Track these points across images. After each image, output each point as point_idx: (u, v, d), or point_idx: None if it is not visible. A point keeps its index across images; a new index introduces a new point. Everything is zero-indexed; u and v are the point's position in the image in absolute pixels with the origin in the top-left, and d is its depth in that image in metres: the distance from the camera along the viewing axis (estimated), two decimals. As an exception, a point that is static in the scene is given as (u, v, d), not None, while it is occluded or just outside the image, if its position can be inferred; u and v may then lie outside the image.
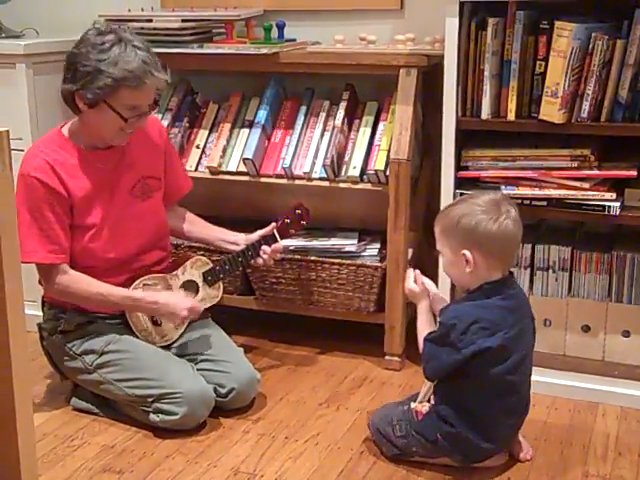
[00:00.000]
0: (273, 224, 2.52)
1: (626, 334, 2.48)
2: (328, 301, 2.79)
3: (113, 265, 2.39)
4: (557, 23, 2.27)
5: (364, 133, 2.73)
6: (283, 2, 2.93)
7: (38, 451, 2.12)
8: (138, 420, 2.37)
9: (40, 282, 2.41)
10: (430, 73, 2.65)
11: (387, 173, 2.63)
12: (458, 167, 2.48)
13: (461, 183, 2.49)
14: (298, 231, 2.58)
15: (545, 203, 2.40)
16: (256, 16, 2.89)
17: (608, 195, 2.35)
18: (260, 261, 2.51)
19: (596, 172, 2.37)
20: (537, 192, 2.41)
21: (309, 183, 2.74)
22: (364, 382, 2.65)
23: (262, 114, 2.82)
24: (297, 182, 2.75)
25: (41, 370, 2.61)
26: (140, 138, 2.42)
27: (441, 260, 2.23)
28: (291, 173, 2.75)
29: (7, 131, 1.44)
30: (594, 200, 2.36)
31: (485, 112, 2.41)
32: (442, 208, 2.32)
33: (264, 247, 2.50)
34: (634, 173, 2.35)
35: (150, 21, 2.78)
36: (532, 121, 2.38)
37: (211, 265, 2.53)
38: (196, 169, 2.86)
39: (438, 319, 2.15)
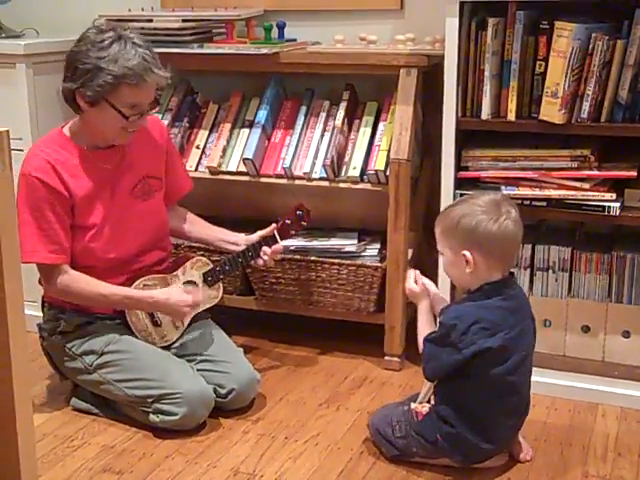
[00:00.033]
0: (273, 225, 2.52)
1: (626, 334, 2.48)
2: (328, 301, 2.79)
3: (113, 265, 2.39)
4: (557, 23, 2.27)
5: (364, 133, 2.73)
6: (283, 2, 2.93)
7: (38, 451, 2.12)
8: (138, 420, 2.37)
9: (40, 282, 2.41)
10: (430, 73, 2.65)
11: (387, 173, 2.63)
12: (458, 167, 2.48)
13: (461, 183, 2.49)
14: (298, 232, 2.58)
15: (545, 203, 2.40)
16: (256, 16, 2.89)
17: (608, 195, 2.35)
18: (260, 262, 2.51)
19: (596, 172, 2.37)
20: (537, 192, 2.41)
21: (309, 183, 2.74)
22: (364, 382, 2.65)
23: (262, 114, 2.82)
24: (297, 182, 2.75)
25: (41, 370, 2.61)
26: (141, 138, 2.42)
27: (441, 260, 2.23)
28: (291, 173, 2.75)
29: (7, 131, 1.44)
30: (594, 200, 2.36)
31: (485, 112, 2.41)
32: (442, 208, 2.32)
33: (264, 248, 2.50)
34: (634, 173, 2.35)
35: (150, 21, 2.78)
36: (532, 121, 2.38)
37: (211, 265, 2.53)
38: (196, 169, 2.85)
39: (438, 319, 2.15)
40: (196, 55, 2.77)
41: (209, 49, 2.76)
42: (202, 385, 2.34)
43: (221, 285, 2.57)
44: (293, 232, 2.54)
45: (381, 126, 2.72)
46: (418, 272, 2.26)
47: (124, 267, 2.41)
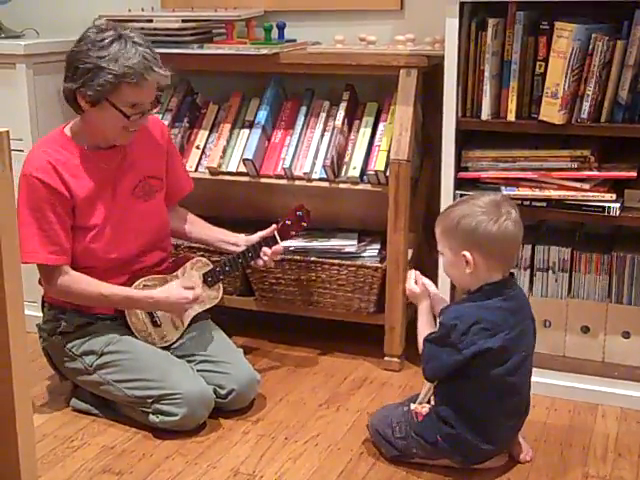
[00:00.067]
0: (274, 225, 2.52)
1: (626, 335, 2.48)
2: (328, 302, 2.79)
3: (114, 265, 2.39)
4: (557, 24, 2.27)
5: (364, 134, 2.73)
6: (283, 2, 2.93)
7: (38, 452, 2.12)
8: (138, 421, 2.37)
9: (40, 282, 2.41)
10: (430, 74, 2.65)
11: (387, 174, 2.63)
12: (458, 168, 2.48)
13: (461, 184, 2.49)
14: (299, 233, 2.58)
15: (545, 204, 2.40)
16: (256, 16, 2.89)
17: (608, 196, 2.35)
18: (260, 262, 2.51)
19: (596, 173, 2.37)
20: (537, 193, 2.41)
21: (309, 184, 2.74)
22: (364, 383, 2.65)
23: (262, 114, 2.82)
24: (297, 183, 2.75)
25: (41, 371, 2.61)
26: (142, 138, 2.42)
27: (441, 261, 2.23)
28: (291, 174, 2.75)
29: (7, 131, 1.44)
30: (594, 201, 2.36)
31: (485, 113, 2.41)
32: (442, 209, 2.32)
33: (264, 248, 2.49)
34: (634, 174, 2.35)
35: (150, 21, 2.78)
36: (532, 122, 2.38)
37: (211, 266, 2.53)
38: (196, 169, 2.85)
39: (438, 320, 2.15)
40: (196, 55, 2.77)
41: (209, 49, 2.76)
42: (202, 386, 2.34)
43: (221, 286, 2.57)
44: (293, 233, 2.54)
45: (381, 126, 2.72)
46: (418, 273, 2.26)
47: (125, 267, 2.41)
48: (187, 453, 2.25)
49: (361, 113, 2.77)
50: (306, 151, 2.75)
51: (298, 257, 2.78)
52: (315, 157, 2.74)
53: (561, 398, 2.50)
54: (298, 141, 2.78)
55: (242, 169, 2.79)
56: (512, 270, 2.17)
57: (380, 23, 2.85)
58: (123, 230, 2.39)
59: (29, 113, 2.83)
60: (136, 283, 2.41)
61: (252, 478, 2.14)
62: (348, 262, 2.74)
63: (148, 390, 2.31)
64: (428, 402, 2.21)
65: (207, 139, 2.89)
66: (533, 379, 2.19)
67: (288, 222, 2.52)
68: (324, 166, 2.69)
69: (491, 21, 2.35)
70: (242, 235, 2.60)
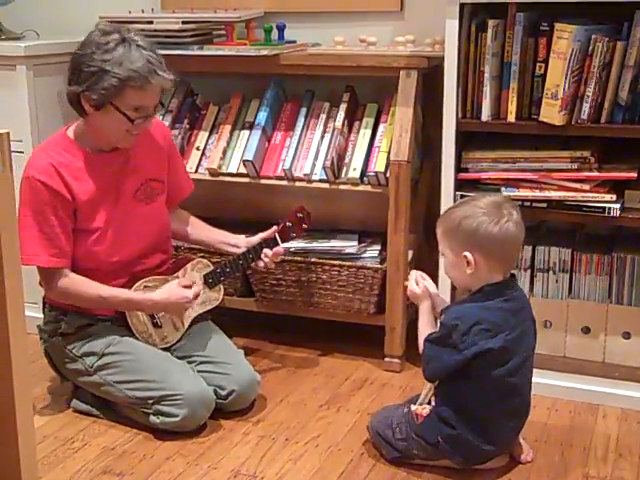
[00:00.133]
0: (274, 227, 2.52)
1: (626, 336, 2.48)
2: (328, 303, 2.79)
3: (116, 268, 2.39)
4: (557, 25, 2.27)
5: (364, 135, 2.73)
6: (283, 4, 2.93)
7: (38, 453, 2.12)
8: (138, 422, 2.37)
9: (41, 284, 2.41)
10: (430, 75, 2.65)
11: (387, 175, 2.63)
12: (458, 169, 2.48)
13: (461, 185, 2.49)
14: (299, 234, 2.58)
15: (545, 205, 2.40)
16: (256, 18, 2.89)
17: (608, 197, 2.35)
18: (261, 264, 2.51)
19: (596, 174, 2.37)
20: (537, 194, 2.41)
21: (309, 185, 2.74)
22: (364, 384, 2.65)
23: (262, 116, 2.82)
24: (297, 184, 2.75)
25: (41, 372, 2.61)
26: (144, 141, 2.42)
27: (442, 261, 2.23)
28: (291, 175, 2.75)
29: (7, 133, 1.44)
30: (594, 202, 2.36)
31: (485, 114, 2.41)
32: (443, 210, 2.33)
33: (265, 250, 2.49)
34: (634, 175, 2.35)
35: (150, 23, 2.78)
36: (532, 123, 2.38)
37: (212, 267, 2.53)
38: (196, 171, 2.86)
39: (439, 320, 2.15)
40: (196, 57, 2.77)
41: (209, 51, 2.76)
42: (202, 386, 2.34)
43: (222, 287, 2.57)
44: (294, 235, 2.54)
45: (381, 128, 2.72)
46: (419, 273, 2.26)
47: (126, 269, 2.41)
48: (188, 454, 2.25)
49: (361, 114, 2.77)
50: (306, 152, 2.75)
51: (299, 258, 2.78)
52: (315, 158, 2.74)
53: (562, 399, 2.50)
54: (298, 142, 2.78)
55: (242, 170, 2.80)
56: (513, 271, 2.17)
57: (380, 24, 2.85)
58: (125, 233, 2.39)
59: (29, 114, 2.83)
60: (137, 284, 2.41)
61: (253, 479, 2.14)
62: (348, 263, 2.74)
63: (149, 391, 2.31)
64: (428, 403, 2.21)
65: (207, 140, 2.89)
66: (534, 380, 2.19)
67: (289, 224, 2.52)
68: (324, 167, 2.69)
69: (491, 22, 2.35)
70: (242, 236, 2.60)
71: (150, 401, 2.31)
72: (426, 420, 2.14)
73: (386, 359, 2.74)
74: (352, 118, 2.77)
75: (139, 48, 2.24)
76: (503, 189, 2.42)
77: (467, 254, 2.05)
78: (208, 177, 2.84)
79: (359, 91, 2.81)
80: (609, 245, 2.51)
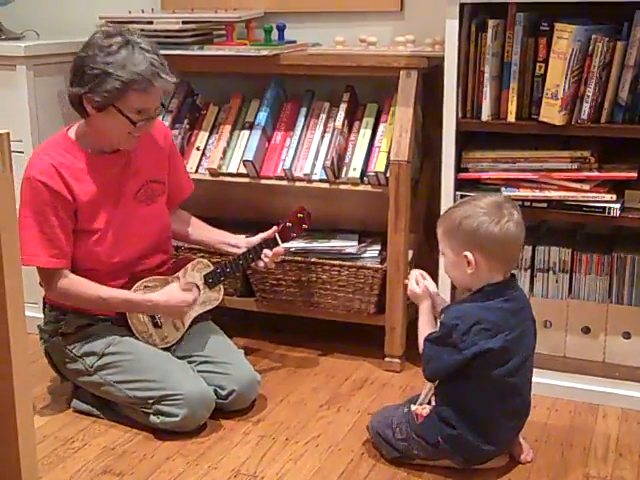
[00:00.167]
0: (275, 227, 2.52)
1: (626, 335, 2.48)
2: (328, 303, 2.79)
3: (116, 269, 2.39)
4: (557, 25, 2.27)
5: (364, 135, 2.73)
6: (283, 4, 2.93)
7: (39, 453, 2.12)
8: (138, 422, 2.37)
9: (41, 284, 2.41)
10: (430, 75, 2.65)
11: (387, 175, 2.63)
12: (458, 169, 2.48)
13: (461, 185, 2.49)
14: (299, 235, 2.58)
15: (545, 205, 2.40)
16: (256, 18, 2.89)
17: (608, 197, 2.35)
18: (261, 264, 2.51)
19: (596, 174, 2.37)
20: (537, 194, 2.41)
21: (309, 185, 2.74)
22: (364, 384, 2.65)
23: (262, 116, 2.82)
24: (297, 184, 2.75)
25: (41, 372, 2.61)
26: (145, 142, 2.42)
27: (442, 261, 2.23)
28: (291, 175, 2.75)
29: (7, 133, 1.44)
30: (594, 202, 2.36)
31: (485, 114, 2.41)
32: (443, 210, 2.33)
33: (265, 250, 2.49)
34: (634, 175, 2.35)
35: (151, 23, 2.78)
36: (532, 123, 2.38)
37: (212, 267, 2.53)
38: (196, 171, 2.86)
39: (439, 320, 2.15)
40: (196, 57, 2.77)
41: (209, 51, 2.76)
42: (203, 386, 2.34)
43: (222, 287, 2.57)
44: (294, 235, 2.54)
45: (381, 127, 2.72)
46: (420, 272, 2.26)
47: (126, 270, 2.41)
48: (188, 454, 2.25)
49: (361, 114, 2.77)
50: (306, 152, 2.75)
51: (299, 258, 2.78)
52: (315, 158, 2.74)
53: (562, 399, 2.50)
54: (298, 142, 2.78)
55: (242, 170, 2.80)
56: (513, 271, 2.17)
57: (380, 24, 2.85)
58: (125, 234, 2.39)
59: (29, 115, 2.83)
60: (137, 284, 2.41)
61: (253, 479, 2.14)
62: (349, 263, 2.74)
63: (149, 391, 2.31)
64: (429, 403, 2.21)
65: (207, 140, 2.89)
66: (534, 380, 2.19)
67: (289, 224, 2.52)
68: (324, 167, 2.69)
69: (491, 22, 2.35)
70: (242, 237, 2.60)
71: (150, 401, 2.31)
72: (426, 420, 2.14)
73: (386, 359, 2.74)
74: (352, 118, 2.77)
75: (142, 51, 2.24)
76: (503, 189, 2.42)
77: (467, 254, 2.05)
78: (208, 177, 2.84)
79: (359, 91, 2.81)
80: (609, 245, 2.51)
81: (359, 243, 2.81)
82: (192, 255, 2.74)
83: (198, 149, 2.88)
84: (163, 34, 2.75)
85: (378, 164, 2.66)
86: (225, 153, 2.84)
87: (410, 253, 2.70)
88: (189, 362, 2.43)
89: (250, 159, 2.75)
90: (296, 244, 2.77)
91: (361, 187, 2.70)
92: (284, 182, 2.77)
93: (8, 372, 1.50)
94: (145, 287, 2.42)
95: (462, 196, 2.41)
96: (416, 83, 2.59)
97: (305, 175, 2.73)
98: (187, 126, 2.92)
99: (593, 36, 2.26)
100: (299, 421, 2.42)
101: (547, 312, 2.52)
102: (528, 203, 2.41)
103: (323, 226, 2.87)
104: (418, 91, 2.60)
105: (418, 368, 2.44)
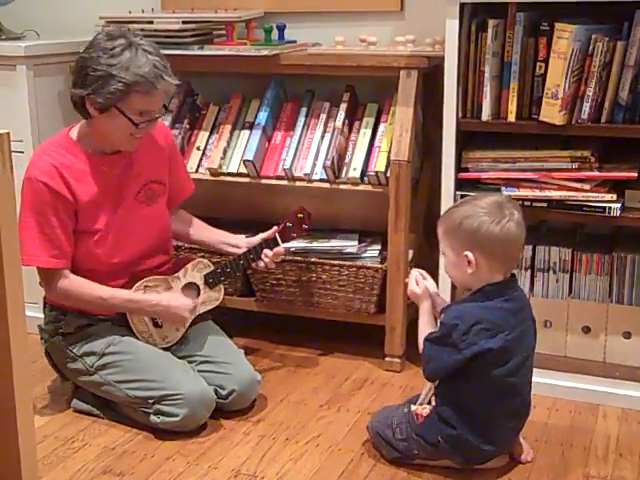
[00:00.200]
0: (275, 227, 2.52)
1: (627, 335, 2.48)
2: (329, 302, 2.79)
3: (116, 269, 2.39)
4: (557, 25, 2.27)
5: (364, 134, 2.73)
6: (283, 4, 2.93)
7: (39, 453, 2.12)
8: (139, 422, 2.37)
9: (41, 284, 2.41)
10: (430, 75, 2.65)
11: (387, 174, 2.63)
12: (458, 169, 2.48)
13: (461, 185, 2.49)
14: (300, 235, 2.58)
15: (546, 204, 2.40)
16: (256, 18, 2.89)
17: (608, 196, 2.35)
18: (261, 264, 2.51)
19: (596, 173, 2.37)
20: (538, 193, 2.41)
21: (309, 185, 2.74)
22: (365, 383, 2.65)
23: (262, 116, 2.82)
24: (298, 184, 2.75)
25: (42, 372, 2.61)
26: (146, 143, 2.41)
27: (442, 261, 2.23)
28: (292, 175, 2.75)
29: (8, 133, 1.44)
30: (594, 201, 2.36)
31: (485, 113, 2.41)
32: (443, 210, 2.33)
33: (265, 250, 2.50)
34: (634, 174, 2.35)
35: (151, 23, 2.78)
36: (532, 122, 2.38)
37: (212, 267, 2.53)
38: (196, 171, 2.86)
39: (439, 320, 2.15)
40: (196, 57, 2.77)
41: (209, 51, 2.76)
42: (203, 386, 2.34)
43: (222, 287, 2.57)
44: (294, 235, 2.54)
45: (381, 127, 2.72)
46: (420, 272, 2.25)
47: (126, 270, 2.42)
48: (188, 454, 2.25)
49: (361, 114, 2.77)
50: (306, 152, 2.75)
51: (299, 258, 2.78)
52: (315, 158, 2.74)
53: (562, 398, 2.50)
54: (298, 142, 2.78)
55: (242, 170, 2.80)
56: (513, 271, 2.17)
57: (380, 24, 2.85)
58: (126, 235, 2.39)
59: (29, 115, 2.83)
60: (137, 284, 2.41)
61: (253, 479, 2.14)
62: (349, 263, 2.74)
63: (149, 391, 2.31)
64: (429, 403, 2.21)
65: (207, 140, 2.89)
66: (534, 379, 2.19)
67: (289, 224, 2.52)
68: (324, 167, 2.69)
69: (491, 22, 2.35)
70: (243, 237, 2.60)
71: (150, 401, 2.31)
72: (426, 420, 2.14)
73: (386, 359, 2.74)
74: (352, 118, 2.77)
75: (145, 53, 2.24)
76: (503, 189, 2.42)
77: (468, 254, 2.05)
78: (208, 177, 2.84)
79: (359, 91, 2.81)
80: (609, 245, 2.51)
81: (359, 243, 2.81)
82: (192, 255, 2.74)
83: (198, 149, 2.88)
84: (163, 34, 2.75)
85: (378, 164, 2.66)
86: (225, 153, 2.84)
87: (410, 253, 2.70)
88: (189, 362, 2.43)
89: (250, 159, 2.75)
90: (296, 244, 2.77)
91: (361, 187, 2.70)
92: (284, 182, 2.77)
93: (8, 372, 1.50)
94: (145, 287, 2.42)
95: (462, 196, 2.41)
96: (416, 83, 2.58)
97: (305, 175, 2.73)
98: (187, 126, 2.92)
99: (593, 36, 2.26)
100: (299, 421, 2.42)
101: (547, 312, 2.52)
102: (528, 203, 2.40)
103: (323, 226, 2.87)
104: (418, 91, 2.60)
105: (418, 368, 2.44)
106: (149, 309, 2.39)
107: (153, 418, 2.32)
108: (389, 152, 2.63)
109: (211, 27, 2.85)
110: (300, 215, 2.53)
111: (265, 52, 2.68)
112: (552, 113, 2.31)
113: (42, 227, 2.28)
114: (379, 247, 2.79)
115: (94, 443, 2.31)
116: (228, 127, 2.87)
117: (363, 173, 2.68)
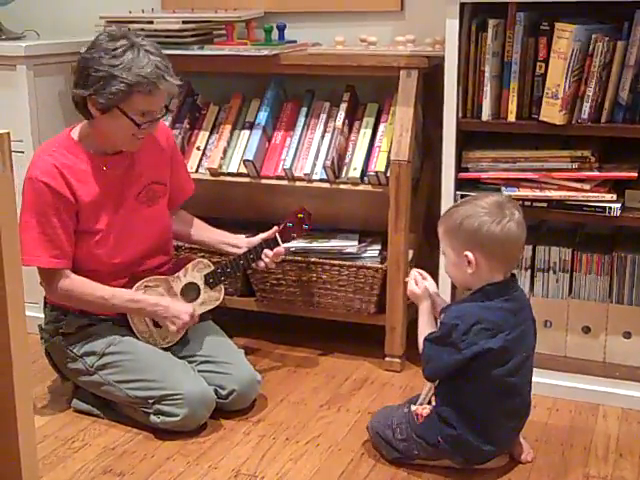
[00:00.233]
0: (275, 227, 2.52)
1: (627, 335, 2.48)
2: (329, 302, 2.79)
3: (117, 269, 2.39)
4: (557, 24, 2.27)
5: (364, 134, 2.73)
6: (283, 3, 2.93)
7: (39, 453, 2.12)
8: (139, 421, 2.37)
9: (41, 284, 2.41)
10: (430, 74, 2.65)
11: (388, 174, 2.63)
12: (458, 168, 2.48)
13: (462, 184, 2.49)
14: (300, 235, 2.58)
15: (546, 204, 2.40)
16: (256, 17, 2.89)
17: (609, 196, 2.35)
18: (261, 264, 2.51)
19: (596, 173, 2.37)
20: (538, 193, 2.41)
21: (310, 184, 2.74)
22: (365, 383, 2.65)
23: (263, 116, 2.82)
24: (298, 184, 2.75)
25: (42, 372, 2.61)
26: (148, 144, 2.41)
27: (443, 260, 2.23)
28: (292, 175, 2.75)
29: (8, 133, 1.44)
30: (595, 201, 2.36)
31: (485, 113, 2.41)
32: (443, 210, 2.33)
33: (266, 250, 2.50)
34: (634, 174, 2.35)
35: (151, 22, 2.78)
36: (532, 122, 2.38)
37: (212, 267, 2.53)
38: (197, 171, 2.86)
39: (439, 319, 2.15)
40: (196, 57, 2.77)
41: (209, 51, 2.76)
42: (203, 386, 2.34)
43: (222, 287, 2.57)
44: (294, 235, 2.54)
45: (381, 127, 2.72)
46: (419, 272, 2.25)
47: (127, 270, 2.42)
48: (188, 454, 2.25)
49: (361, 114, 2.77)
50: (307, 152, 2.75)
51: (299, 258, 2.78)
52: (316, 158, 2.74)
53: (562, 398, 2.50)
54: (299, 142, 2.78)
55: (243, 170, 2.80)
56: (513, 271, 2.17)
57: (380, 24, 2.85)
58: (127, 235, 2.39)
59: (29, 115, 2.83)
60: (138, 284, 2.41)
61: (253, 479, 2.14)
62: (349, 263, 2.74)
63: (149, 391, 2.31)
64: (429, 403, 2.21)
65: (207, 140, 2.89)
66: (534, 379, 2.19)
67: (289, 224, 2.52)
68: (325, 167, 2.69)
69: (491, 22, 2.35)
70: (243, 237, 2.60)
71: (151, 401, 2.31)
72: (426, 420, 2.14)
73: (386, 359, 2.74)
74: (352, 118, 2.77)
75: (147, 53, 2.24)
76: (503, 189, 2.42)
77: (468, 254, 2.05)
78: (208, 177, 2.84)
79: (359, 91, 2.81)
80: (609, 245, 2.51)
81: (359, 243, 2.81)
82: (192, 255, 2.74)
83: (198, 149, 2.88)
84: (163, 34, 2.75)
85: (378, 164, 2.66)
86: (225, 153, 2.84)
87: (410, 253, 2.70)
88: (189, 362, 2.43)
89: (250, 159, 2.75)
90: (296, 244, 2.76)
91: (361, 187, 2.70)
92: (284, 182, 2.77)
93: (8, 372, 1.50)
94: (146, 287, 2.42)
95: (462, 196, 2.41)
96: (416, 83, 2.58)
97: (305, 175, 2.73)
98: (187, 126, 2.92)
99: (593, 36, 2.26)
100: (299, 421, 2.42)
101: (547, 312, 2.52)
102: (528, 203, 2.40)
103: (323, 226, 2.87)
104: (418, 91, 2.60)
105: (418, 368, 2.44)
106: (150, 309, 2.39)
107: (153, 418, 2.32)
108: (389, 152, 2.63)
109: (211, 27, 2.85)
110: (300, 215, 2.53)
111: (265, 52, 2.68)
112: (552, 113, 2.31)
113: (43, 227, 2.28)
114: (379, 247, 2.79)
115: (94, 443, 2.31)
116: (228, 127, 2.87)
117: (363, 173, 2.68)
